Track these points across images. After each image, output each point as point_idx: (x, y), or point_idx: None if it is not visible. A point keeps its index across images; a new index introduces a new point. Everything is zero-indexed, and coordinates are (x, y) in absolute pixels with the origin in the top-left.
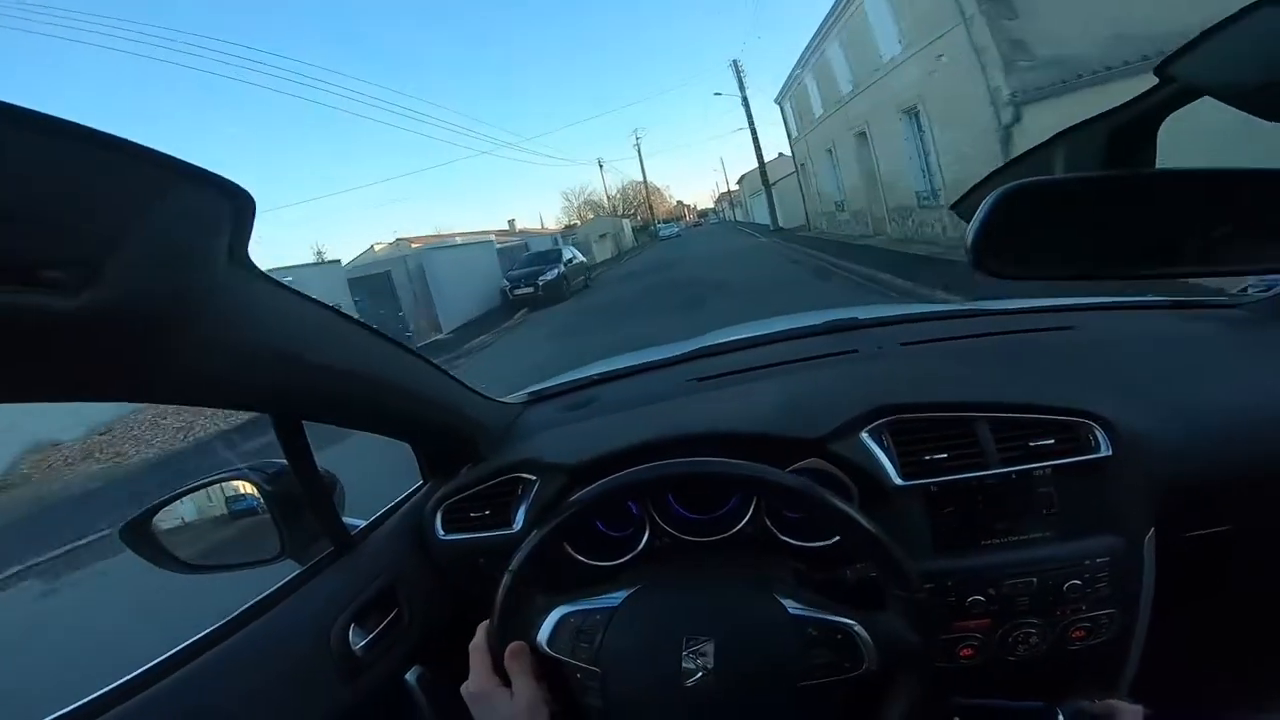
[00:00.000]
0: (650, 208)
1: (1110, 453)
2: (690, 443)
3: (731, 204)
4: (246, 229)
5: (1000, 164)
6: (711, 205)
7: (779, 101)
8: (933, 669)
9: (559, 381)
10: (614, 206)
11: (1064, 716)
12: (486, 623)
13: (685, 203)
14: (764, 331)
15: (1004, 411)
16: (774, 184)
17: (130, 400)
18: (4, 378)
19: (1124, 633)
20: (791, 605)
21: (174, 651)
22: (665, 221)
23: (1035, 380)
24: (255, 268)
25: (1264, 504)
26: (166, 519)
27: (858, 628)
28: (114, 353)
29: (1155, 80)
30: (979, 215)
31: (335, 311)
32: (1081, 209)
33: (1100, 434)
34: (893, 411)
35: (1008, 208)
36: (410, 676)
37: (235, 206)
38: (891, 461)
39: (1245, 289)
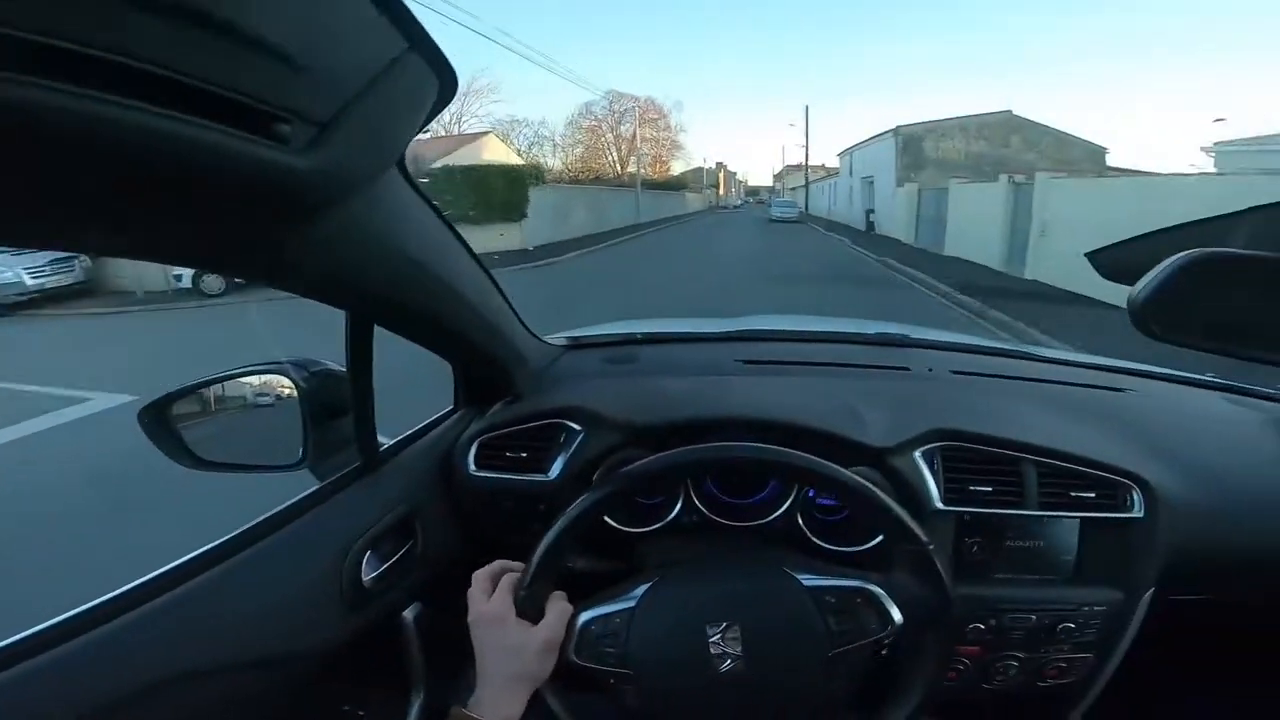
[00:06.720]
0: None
1: (1142, 515)
2: (747, 426)
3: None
4: (433, 116)
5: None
6: (771, 183)
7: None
8: (953, 624)
9: (600, 332)
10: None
11: None
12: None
13: (733, 170)
14: (813, 328)
15: (1054, 459)
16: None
17: (239, 274)
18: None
19: (1090, 678)
20: (805, 577)
21: (184, 560)
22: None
23: (1088, 435)
24: (403, 161)
25: (1244, 580)
26: (189, 406)
27: (875, 588)
28: (269, 226)
29: None
30: (1157, 275)
31: (446, 223)
32: (1261, 289)
33: (1138, 496)
34: (950, 437)
35: (1189, 273)
36: (409, 613)
37: (441, 91)
38: (937, 484)
39: None
